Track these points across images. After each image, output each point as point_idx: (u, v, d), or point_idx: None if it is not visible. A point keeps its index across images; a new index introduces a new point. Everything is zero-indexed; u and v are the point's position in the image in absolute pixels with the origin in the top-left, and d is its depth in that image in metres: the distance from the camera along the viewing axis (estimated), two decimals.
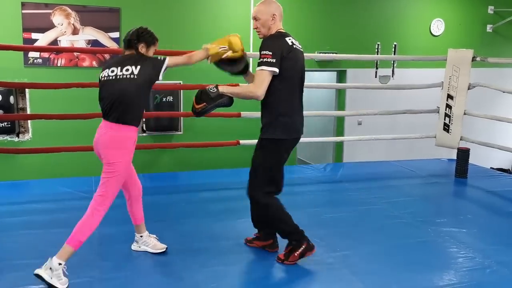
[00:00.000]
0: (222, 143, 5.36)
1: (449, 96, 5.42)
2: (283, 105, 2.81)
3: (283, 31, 2.90)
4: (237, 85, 3.28)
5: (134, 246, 3.13)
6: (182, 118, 6.27)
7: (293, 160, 6.93)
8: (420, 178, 5.19)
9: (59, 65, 5.64)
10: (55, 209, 3.94)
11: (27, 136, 5.73)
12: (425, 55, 6.98)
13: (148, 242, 3.10)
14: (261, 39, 2.87)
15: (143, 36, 2.87)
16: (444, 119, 5.49)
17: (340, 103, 7.46)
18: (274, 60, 2.70)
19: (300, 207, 3.89)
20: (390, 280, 2.80)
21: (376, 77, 7.25)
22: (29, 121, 5.70)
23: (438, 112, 5.57)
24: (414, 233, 3.55)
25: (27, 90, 5.59)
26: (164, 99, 5.98)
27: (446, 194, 4.77)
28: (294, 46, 2.84)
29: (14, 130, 5.60)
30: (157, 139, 6.23)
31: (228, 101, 2.82)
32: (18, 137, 5.68)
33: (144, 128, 6.14)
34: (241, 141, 5.16)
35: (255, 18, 2.88)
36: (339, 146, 7.51)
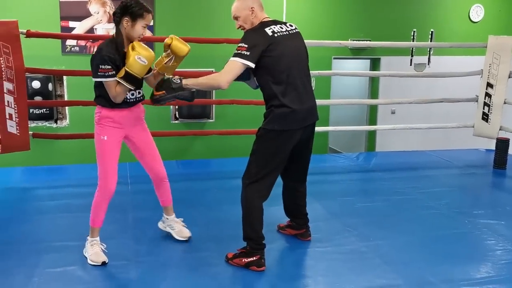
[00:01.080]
0: (254, 131, 5.31)
1: (489, 85, 5.25)
2: (278, 98, 2.65)
3: (267, 20, 2.74)
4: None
5: (160, 224, 3.16)
6: (214, 106, 6.30)
7: (325, 149, 6.89)
8: (456, 168, 5.07)
9: None
10: (91, 193, 4.00)
11: (65, 122, 5.88)
12: (463, 42, 6.77)
13: (174, 227, 3.09)
14: None
15: (128, 7, 2.60)
16: (483, 108, 5.33)
17: (373, 91, 7.34)
18: (248, 53, 2.56)
19: (332, 196, 3.87)
20: (425, 272, 2.76)
21: (411, 65, 7.09)
22: (66, 107, 5.85)
23: (477, 101, 5.41)
24: (450, 225, 3.47)
25: (64, 77, 5.73)
26: None
27: (483, 185, 4.64)
28: (276, 34, 2.65)
29: (53, 116, 5.76)
30: (190, 126, 6.29)
31: (189, 95, 2.70)
32: (56, 123, 5.85)
33: (177, 116, 6.21)
34: None
35: (235, 18, 2.75)
36: (371, 135, 7.41)
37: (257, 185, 2.74)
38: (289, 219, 3.22)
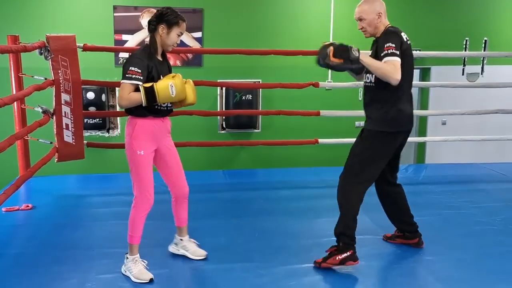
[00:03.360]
0: (300, 142, 5.35)
1: None
2: (394, 99, 2.75)
3: (394, 26, 2.84)
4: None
5: (172, 248, 3.04)
6: (260, 116, 6.33)
7: None
8: None
9: None
10: None
11: (116, 132, 6.08)
12: None
13: (188, 247, 2.99)
14: (373, 38, 2.87)
15: (164, 15, 2.64)
16: None
17: (423, 101, 7.15)
18: (398, 52, 2.65)
19: (381, 209, 3.77)
20: None
21: (463, 74, 6.87)
22: (118, 117, 6.05)
23: None
24: (506, 241, 3.32)
25: (117, 88, 5.93)
26: (243, 98, 6.07)
27: None
28: (408, 42, 2.80)
29: (105, 126, 5.97)
30: (236, 136, 6.34)
31: (360, 70, 2.77)
32: (108, 133, 6.05)
33: (224, 126, 6.28)
34: (320, 140, 5.11)
35: (359, 19, 2.83)
36: (421, 147, 7.21)
37: (359, 184, 2.82)
38: (396, 230, 3.22)
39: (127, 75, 2.56)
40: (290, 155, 6.25)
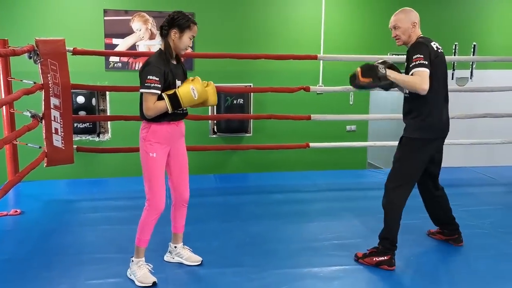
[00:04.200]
0: (291, 146, 5.36)
1: None
2: (429, 107, 2.87)
3: (425, 36, 2.96)
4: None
5: (167, 257, 3.03)
6: (252, 120, 6.34)
7: (364, 165, 6.79)
8: (501, 186, 4.89)
9: (136, 68, 5.90)
10: (132, 206, 4.11)
11: (107, 136, 6.05)
12: (508, 55, 6.57)
13: (182, 254, 3.00)
14: (406, 46, 2.97)
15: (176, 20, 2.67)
16: None
17: None
18: (427, 63, 2.75)
19: (371, 212, 3.80)
20: None
21: (452, 78, 6.93)
22: (108, 122, 6.02)
23: None
24: (495, 245, 3.34)
25: (107, 92, 5.91)
26: (235, 102, 6.07)
27: None
28: (439, 50, 2.91)
29: (95, 130, 5.93)
30: (227, 140, 6.34)
31: (389, 86, 2.89)
32: (99, 137, 6.01)
33: (215, 130, 6.28)
34: (311, 144, 5.12)
35: (394, 27, 2.97)
36: None
37: (397, 185, 2.95)
38: (438, 228, 3.39)
39: (146, 84, 2.60)
40: (281, 159, 6.26)
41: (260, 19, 6.28)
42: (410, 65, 2.81)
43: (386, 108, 7.42)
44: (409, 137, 2.96)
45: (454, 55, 6.83)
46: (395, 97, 7.79)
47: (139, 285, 2.70)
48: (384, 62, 2.91)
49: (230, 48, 5.86)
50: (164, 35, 2.71)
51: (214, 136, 6.32)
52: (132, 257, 2.81)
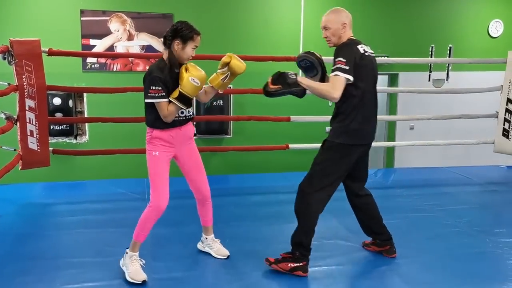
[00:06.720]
0: (271, 147, 5.37)
1: (509, 101, 5.18)
2: (354, 112, 2.77)
3: (354, 38, 2.86)
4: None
5: (199, 245, 3.20)
6: (232, 122, 6.33)
7: None
8: (477, 185, 4.98)
9: (114, 70, 5.85)
10: (110, 209, 4.08)
11: (84, 138, 5.96)
12: (482, 57, 6.71)
13: (212, 246, 3.14)
14: (333, 47, 2.84)
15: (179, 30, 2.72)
16: (504, 124, 5.25)
17: (391, 107, 7.29)
18: (348, 68, 2.66)
19: (350, 213, 3.81)
20: None
21: (429, 80, 7.04)
22: (86, 124, 5.94)
23: (497, 117, 5.33)
24: (471, 243, 3.40)
25: (85, 94, 5.83)
26: (214, 103, 6.05)
27: (505, 203, 4.54)
28: (366, 53, 2.80)
29: (72, 132, 5.85)
30: (207, 142, 6.32)
31: (301, 92, 2.78)
32: (76, 139, 5.93)
33: (195, 132, 6.25)
34: (290, 145, 5.14)
35: (325, 28, 2.86)
36: (390, 151, 7.33)
37: (319, 192, 2.82)
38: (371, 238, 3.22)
39: (149, 95, 2.68)
40: (261, 161, 6.27)
41: (239, 21, 6.28)
42: (332, 68, 2.70)
43: None
44: (332, 141, 2.84)
45: (431, 57, 6.95)
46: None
47: (129, 279, 2.73)
48: (312, 53, 2.87)
49: (209, 49, 5.83)
50: (168, 45, 2.75)
51: (194, 137, 6.28)
52: (127, 249, 2.82)
